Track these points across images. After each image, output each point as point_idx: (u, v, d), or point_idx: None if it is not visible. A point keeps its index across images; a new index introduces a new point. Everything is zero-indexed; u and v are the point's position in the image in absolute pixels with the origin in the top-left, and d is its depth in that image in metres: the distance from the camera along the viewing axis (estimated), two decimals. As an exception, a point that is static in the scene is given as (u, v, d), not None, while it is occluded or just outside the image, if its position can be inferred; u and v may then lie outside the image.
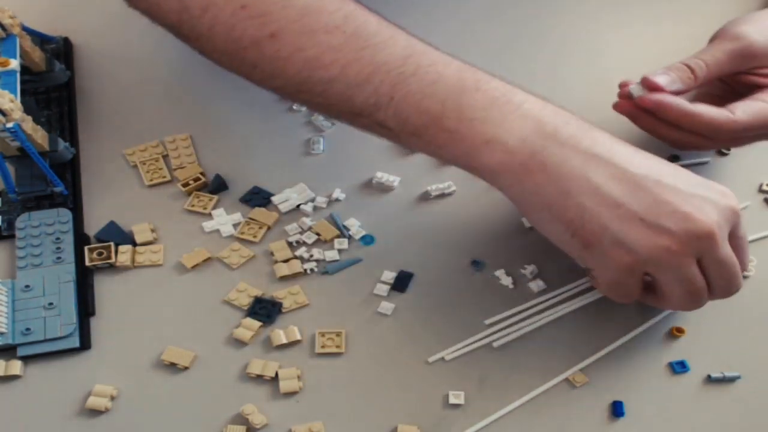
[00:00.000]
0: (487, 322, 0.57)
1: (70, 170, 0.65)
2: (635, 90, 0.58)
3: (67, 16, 0.77)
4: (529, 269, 0.59)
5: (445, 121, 0.52)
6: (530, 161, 0.50)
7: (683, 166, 0.66)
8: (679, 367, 0.55)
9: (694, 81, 0.59)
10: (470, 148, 0.51)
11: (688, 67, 0.59)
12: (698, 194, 0.50)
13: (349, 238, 0.62)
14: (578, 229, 0.50)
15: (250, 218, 0.63)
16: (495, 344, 0.56)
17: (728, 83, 0.63)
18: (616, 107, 0.60)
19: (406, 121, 0.53)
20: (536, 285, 0.59)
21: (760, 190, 0.65)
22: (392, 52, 0.53)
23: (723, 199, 0.51)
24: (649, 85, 0.58)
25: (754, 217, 0.63)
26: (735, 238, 0.52)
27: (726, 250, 0.50)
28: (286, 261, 0.60)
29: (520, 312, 0.58)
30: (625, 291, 0.52)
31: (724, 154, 0.67)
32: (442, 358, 0.55)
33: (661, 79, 0.58)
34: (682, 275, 0.50)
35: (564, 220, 0.50)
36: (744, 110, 0.57)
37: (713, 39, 0.62)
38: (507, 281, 0.59)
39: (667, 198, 0.49)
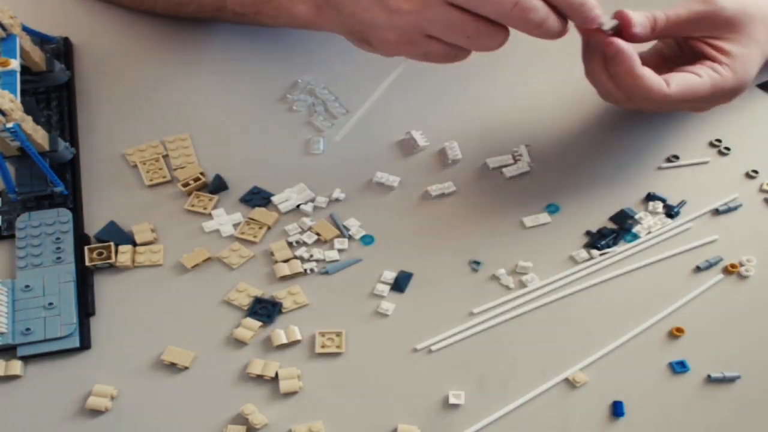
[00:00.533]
0: (476, 311, 0.58)
1: (70, 170, 0.65)
2: (607, 24, 0.58)
3: (67, 16, 0.77)
4: (524, 264, 0.60)
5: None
6: (320, 2, 0.62)
7: (683, 165, 0.66)
8: (679, 367, 0.55)
9: (651, 32, 0.60)
10: (287, 9, 0.65)
11: (652, 16, 0.60)
12: None
13: (349, 238, 0.62)
14: (356, 33, 0.59)
15: (250, 218, 0.63)
16: (477, 314, 0.57)
17: (681, 46, 0.64)
18: (580, 29, 0.59)
19: (244, 4, 0.69)
20: (530, 278, 0.59)
21: (760, 190, 0.65)
22: None
23: None
24: (622, 19, 0.59)
25: (755, 217, 0.63)
26: None
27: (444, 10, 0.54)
28: (286, 261, 0.60)
29: (511, 300, 0.58)
30: (431, 53, 0.57)
31: (724, 154, 0.67)
32: (429, 349, 0.56)
33: (636, 17, 0.59)
34: (438, 25, 0.54)
35: (349, 33, 0.60)
36: (678, 83, 0.59)
37: None
38: (507, 281, 0.59)
39: None
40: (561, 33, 0.56)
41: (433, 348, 0.56)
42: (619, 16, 0.59)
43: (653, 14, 0.61)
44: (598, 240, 0.61)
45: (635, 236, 0.62)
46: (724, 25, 0.61)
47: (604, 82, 0.60)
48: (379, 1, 0.55)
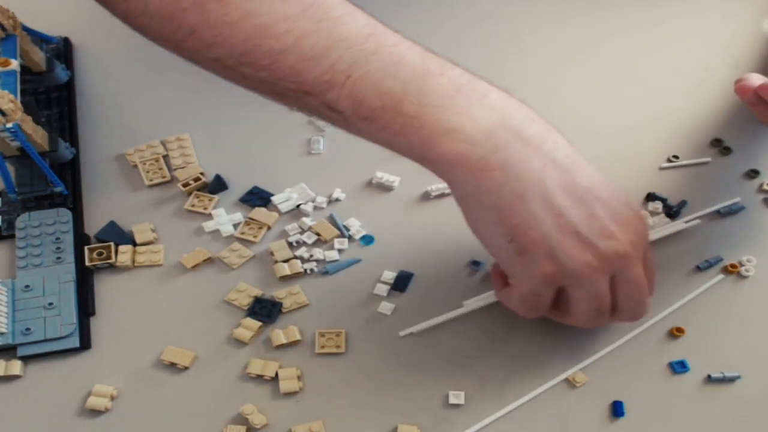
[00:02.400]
0: (466, 303, 0.58)
1: (70, 170, 0.65)
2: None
3: (67, 16, 0.77)
4: None
5: (406, 105, 0.48)
6: (492, 156, 0.47)
7: (683, 165, 0.66)
8: (679, 367, 0.55)
9: None
10: (429, 136, 0.48)
11: None
12: (624, 213, 0.50)
13: (349, 238, 0.62)
14: (519, 235, 0.48)
15: (250, 218, 0.63)
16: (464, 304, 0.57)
17: None
18: (738, 90, 0.59)
19: (361, 103, 0.49)
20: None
21: (760, 190, 0.65)
22: (353, 28, 0.49)
23: (641, 222, 0.51)
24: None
25: (755, 217, 0.63)
26: (645, 260, 0.52)
27: (638, 270, 0.50)
28: (286, 261, 0.60)
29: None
30: (538, 303, 0.51)
31: (724, 154, 0.67)
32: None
33: None
34: (594, 291, 0.50)
35: (509, 223, 0.48)
36: None
37: None
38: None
39: (600, 214, 0.48)
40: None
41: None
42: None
43: None
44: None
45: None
46: None
47: None
48: (574, 236, 0.48)
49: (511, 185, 0.47)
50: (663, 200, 0.64)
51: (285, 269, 0.60)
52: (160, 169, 0.66)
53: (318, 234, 0.62)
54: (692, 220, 0.62)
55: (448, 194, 0.64)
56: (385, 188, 0.65)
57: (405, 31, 0.57)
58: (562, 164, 0.49)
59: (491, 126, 0.48)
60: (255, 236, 0.62)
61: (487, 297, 0.58)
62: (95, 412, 0.53)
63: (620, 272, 0.49)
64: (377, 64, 0.48)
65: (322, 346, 0.56)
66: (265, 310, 0.58)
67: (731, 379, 0.54)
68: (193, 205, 0.64)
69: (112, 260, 0.59)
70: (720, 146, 0.67)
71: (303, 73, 0.49)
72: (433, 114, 0.48)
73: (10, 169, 0.61)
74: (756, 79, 0.59)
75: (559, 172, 0.48)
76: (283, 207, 0.63)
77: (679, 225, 0.62)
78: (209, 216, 0.63)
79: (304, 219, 0.63)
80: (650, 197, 0.64)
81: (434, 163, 0.49)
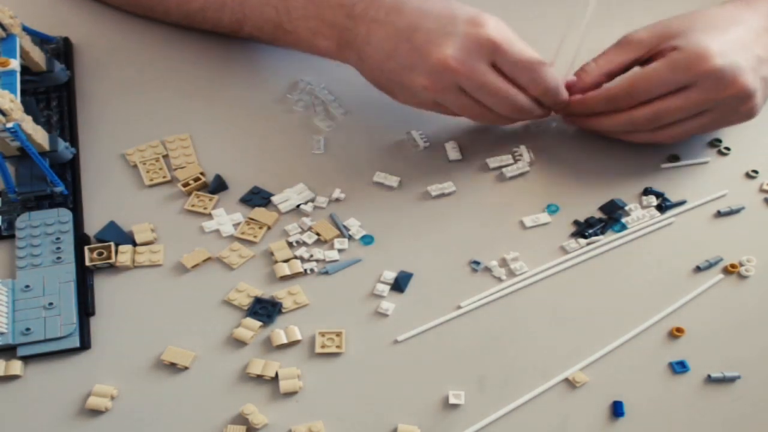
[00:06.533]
0: (462, 303, 0.58)
1: (70, 170, 0.65)
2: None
3: (67, 16, 0.77)
4: (512, 255, 0.60)
5: (285, 24, 0.65)
6: (341, 41, 0.63)
7: (683, 166, 0.66)
8: (679, 367, 0.55)
9: (588, 78, 0.64)
10: (309, 41, 0.65)
11: (582, 69, 0.65)
12: (445, 31, 0.58)
13: (349, 238, 0.62)
14: (379, 83, 0.63)
15: (250, 218, 0.63)
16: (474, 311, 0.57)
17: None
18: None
19: (262, 30, 0.68)
20: (519, 267, 0.60)
21: (760, 190, 0.65)
22: None
23: (471, 29, 0.58)
24: (571, 86, 0.64)
25: (755, 217, 0.63)
26: (507, 64, 0.59)
27: (481, 78, 0.58)
28: (286, 261, 0.60)
29: (507, 296, 0.59)
30: (452, 111, 0.62)
31: (724, 154, 0.67)
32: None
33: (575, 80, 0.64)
34: (451, 104, 0.61)
35: (371, 79, 0.63)
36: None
37: None
38: (500, 273, 0.59)
39: (419, 42, 0.58)
40: (546, 115, 0.65)
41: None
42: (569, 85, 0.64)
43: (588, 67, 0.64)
44: (585, 229, 0.61)
45: (624, 226, 0.62)
46: (651, 37, 0.63)
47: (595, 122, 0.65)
48: (405, 71, 0.60)
49: (356, 55, 0.62)
50: (660, 194, 0.64)
51: (285, 269, 0.60)
52: (160, 169, 0.66)
53: (318, 234, 0.62)
54: (670, 217, 0.63)
55: (448, 194, 0.64)
56: (385, 188, 0.65)
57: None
58: (383, 20, 0.60)
59: (336, 19, 0.62)
60: (255, 236, 0.62)
61: (487, 297, 0.58)
62: (95, 412, 0.53)
63: (462, 83, 0.59)
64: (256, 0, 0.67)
65: (322, 346, 0.56)
66: (265, 310, 0.58)
67: (731, 379, 0.54)
68: (193, 205, 0.64)
69: (112, 260, 0.59)
70: (719, 146, 0.68)
71: (222, 20, 0.71)
72: (300, 25, 0.64)
73: (10, 169, 0.61)
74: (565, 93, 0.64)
75: (381, 26, 0.60)
76: (283, 207, 0.63)
77: (661, 219, 0.63)
78: (209, 216, 0.63)
79: (304, 219, 0.63)
80: (646, 191, 0.64)
81: (328, 57, 0.65)
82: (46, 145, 0.62)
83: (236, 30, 0.71)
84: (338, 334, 0.56)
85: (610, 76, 0.64)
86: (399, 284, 0.59)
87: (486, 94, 0.59)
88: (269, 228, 0.62)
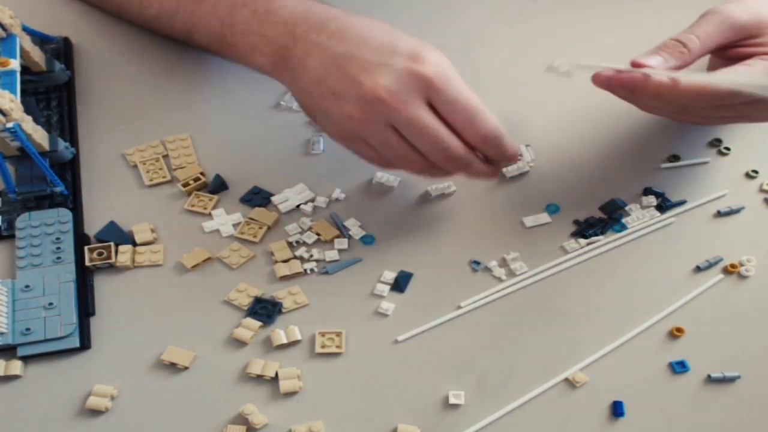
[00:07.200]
0: (462, 303, 0.58)
1: (70, 170, 0.65)
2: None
3: (67, 16, 0.77)
4: (512, 255, 0.60)
5: (228, 37, 0.64)
6: (278, 59, 0.61)
7: (683, 166, 0.66)
8: (679, 367, 0.55)
9: (689, 54, 0.58)
10: (247, 56, 0.63)
11: (680, 42, 0.59)
12: (382, 62, 0.55)
13: (349, 238, 0.62)
14: (306, 108, 0.61)
15: (250, 218, 0.63)
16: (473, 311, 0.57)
17: (726, 59, 0.61)
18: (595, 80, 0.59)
19: (209, 41, 0.67)
20: (519, 267, 0.60)
21: (761, 190, 0.65)
22: None
23: (409, 63, 0.55)
24: (638, 67, 0.57)
25: (755, 217, 0.63)
26: (442, 104, 0.55)
27: (412, 114, 0.54)
28: (286, 261, 0.60)
29: (507, 295, 0.59)
30: (363, 155, 0.59)
31: (724, 154, 0.67)
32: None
33: (651, 61, 0.57)
34: (376, 140, 0.57)
35: (300, 101, 0.61)
36: (692, 79, 0.57)
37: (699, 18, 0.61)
38: (500, 273, 0.59)
39: (353, 71, 0.55)
40: (490, 174, 0.60)
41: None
42: (633, 65, 0.58)
43: (678, 39, 0.59)
44: (585, 229, 0.61)
45: (624, 226, 0.62)
46: (746, 23, 0.59)
47: (639, 102, 0.60)
48: (333, 97, 0.57)
49: (289, 76, 0.60)
50: (660, 194, 0.64)
51: (285, 269, 0.60)
52: (160, 169, 0.66)
53: (318, 234, 0.62)
54: (670, 217, 0.63)
55: (448, 194, 0.64)
56: (385, 188, 0.65)
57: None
58: (323, 44, 0.58)
59: (276, 38, 0.60)
60: (255, 236, 0.62)
61: (487, 297, 0.58)
62: (95, 412, 0.53)
63: (391, 119, 0.55)
64: (205, 11, 0.66)
65: (322, 346, 0.56)
66: (265, 310, 0.58)
67: (731, 379, 0.54)
68: (193, 205, 0.64)
69: (112, 260, 0.59)
70: (719, 146, 0.67)
71: (173, 27, 0.70)
72: (242, 40, 0.63)
73: (10, 169, 0.61)
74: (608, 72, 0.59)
75: (319, 50, 0.58)
76: (283, 207, 0.63)
77: (661, 219, 0.62)
78: (209, 216, 0.63)
79: (304, 219, 0.63)
80: (647, 191, 0.64)
81: (265, 73, 0.63)
82: (46, 145, 0.62)
83: (187, 39, 0.70)
84: (338, 334, 0.56)
85: (704, 54, 0.60)
86: (399, 284, 0.59)
87: (415, 132, 0.55)
88: (269, 228, 0.62)
